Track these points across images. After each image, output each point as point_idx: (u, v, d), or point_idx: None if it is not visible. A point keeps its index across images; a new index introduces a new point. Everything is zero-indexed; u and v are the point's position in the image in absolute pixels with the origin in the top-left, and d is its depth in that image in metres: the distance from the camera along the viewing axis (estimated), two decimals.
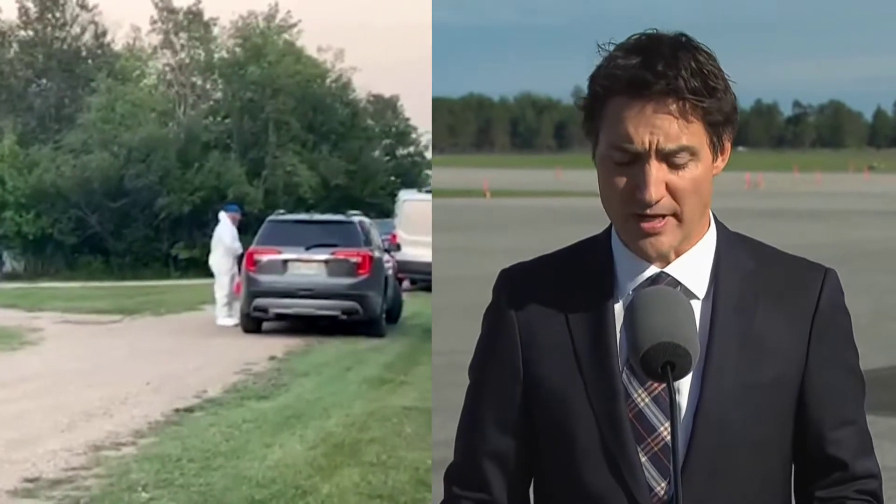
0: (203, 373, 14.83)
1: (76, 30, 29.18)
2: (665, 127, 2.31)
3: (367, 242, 19.06)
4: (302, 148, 28.34)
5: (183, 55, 28.95)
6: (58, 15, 28.93)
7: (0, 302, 21.73)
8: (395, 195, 26.08)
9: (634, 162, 2.34)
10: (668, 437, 2.38)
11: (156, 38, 28.88)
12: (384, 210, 27.00)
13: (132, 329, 19.17)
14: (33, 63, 28.78)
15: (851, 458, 2.45)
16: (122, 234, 26.93)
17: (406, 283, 23.00)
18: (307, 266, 18.41)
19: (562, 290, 2.48)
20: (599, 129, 2.39)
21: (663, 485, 2.40)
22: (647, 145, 2.32)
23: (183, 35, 28.79)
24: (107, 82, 27.57)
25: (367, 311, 18.18)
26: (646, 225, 2.35)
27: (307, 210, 24.38)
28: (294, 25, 28.96)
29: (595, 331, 2.43)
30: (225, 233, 19.80)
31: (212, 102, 29.40)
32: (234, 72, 28.46)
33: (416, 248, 22.15)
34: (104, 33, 29.35)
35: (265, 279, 18.25)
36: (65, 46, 28.99)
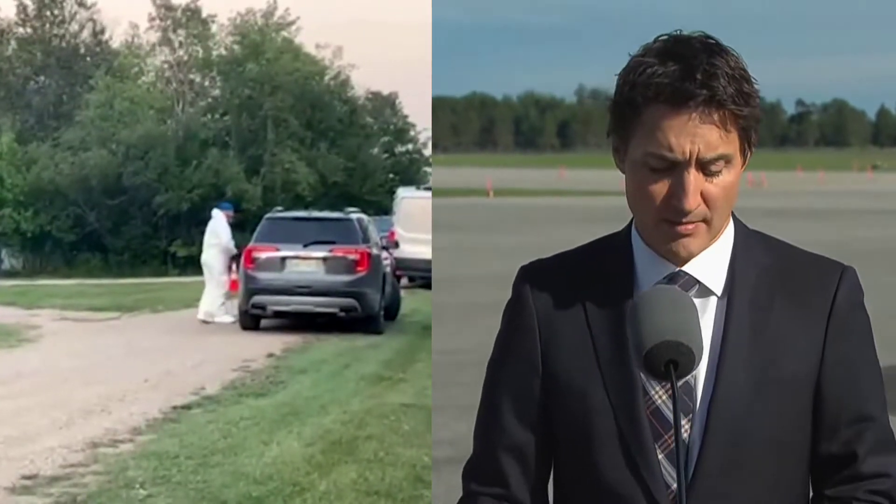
0: (201, 370, 14.83)
1: (74, 27, 29.19)
2: (706, 136, 2.33)
3: (366, 240, 19.05)
4: (300, 145, 28.34)
5: (181, 52, 28.95)
6: (56, 12, 28.93)
7: None
8: (394, 192, 26.07)
9: (671, 169, 2.35)
10: (685, 434, 2.40)
11: (154, 36, 28.92)
12: (382, 207, 26.99)
13: (130, 326, 19.16)
14: (32, 60, 28.78)
15: (863, 456, 2.43)
16: (121, 231, 26.94)
17: (404, 281, 23.00)
18: (305, 263, 18.41)
19: (581, 287, 2.50)
20: (632, 136, 2.39)
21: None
22: (687, 154, 2.33)
23: (181, 32, 28.79)
24: (105, 79, 27.57)
25: (365, 308, 18.18)
26: (680, 228, 2.37)
27: (305, 207, 24.39)
28: (292, 23, 28.99)
29: (614, 328, 2.44)
30: (222, 229, 19.80)
31: (210, 100, 29.40)
32: (233, 69, 28.46)
33: (415, 245, 22.16)
34: (102, 30, 29.37)
35: (263, 276, 18.24)
36: (63, 44, 28.99)
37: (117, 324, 19.44)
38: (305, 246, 18.49)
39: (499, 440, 2.53)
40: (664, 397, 2.41)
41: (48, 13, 28.85)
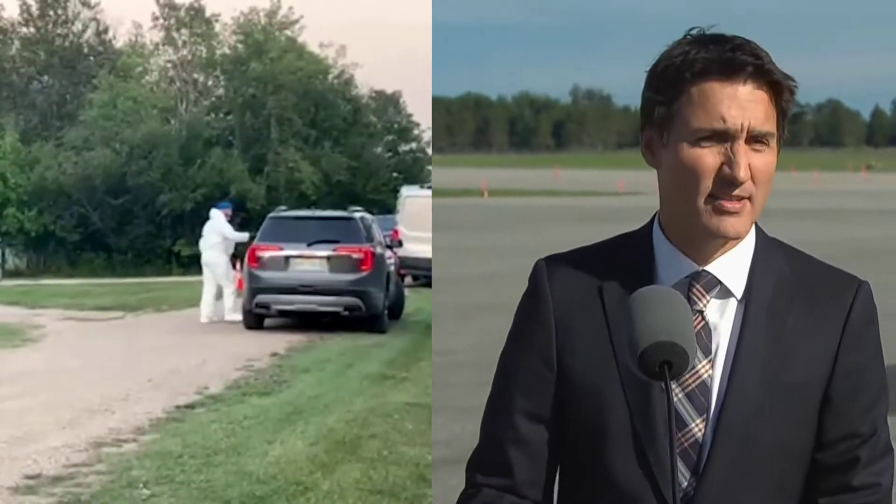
0: (204, 369, 14.83)
1: (78, 27, 29.21)
2: (756, 110, 2.37)
3: (369, 238, 19.04)
4: (304, 144, 28.35)
5: (185, 52, 28.97)
6: (59, 12, 28.95)
7: (2, 299, 21.76)
8: (397, 191, 26.07)
9: (720, 143, 2.37)
10: (699, 434, 2.41)
11: (157, 35, 28.94)
12: (386, 206, 26.99)
13: (134, 326, 19.18)
14: (35, 60, 28.80)
15: (858, 469, 2.45)
16: (124, 230, 26.96)
17: (408, 279, 22.99)
18: (309, 262, 18.41)
19: (600, 283, 2.50)
20: (675, 117, 2.40)
21: (690, 480, 2.42)
22: (738, 126, 2.36)
23: (185, 32, 28.81)
24: (108, 79, 27.59)
25: (368, 307, 18.17)
26: (728, 204, 2.37)
27: (309, 206, 24.41)
28: (296, 22, 29.01)
29: None
30: (225, 227, 19.78)
31: (214, 99, 29.42)
32: (236, 68, 28.48)
33: (418, 244, 22.15)
34: (106, 30, 29.39)
35: (267, 275, 18.24)
36: (67, 43, 29.00)
37: (121, 323, 19.46)
38: (309, 245, 18.48)
39: (507, 432, 2.52)
40: (680, 396, 2.42)
41: (51, 13, 28.87)
